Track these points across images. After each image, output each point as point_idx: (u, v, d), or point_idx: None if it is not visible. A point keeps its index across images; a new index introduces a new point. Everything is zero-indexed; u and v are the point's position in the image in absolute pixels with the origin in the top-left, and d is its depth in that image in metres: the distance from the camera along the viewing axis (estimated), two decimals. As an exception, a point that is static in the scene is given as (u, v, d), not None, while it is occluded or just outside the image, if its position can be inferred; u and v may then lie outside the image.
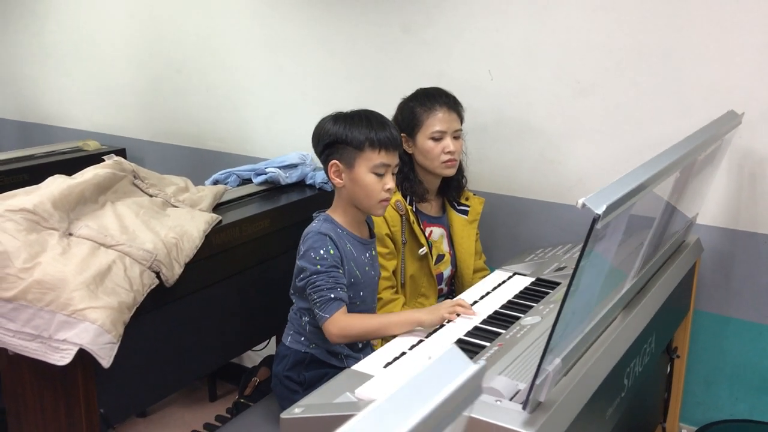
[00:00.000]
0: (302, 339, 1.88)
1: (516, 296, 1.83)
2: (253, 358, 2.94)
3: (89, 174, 2.07)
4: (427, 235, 2.22)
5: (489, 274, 2.35)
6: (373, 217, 2.06)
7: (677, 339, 2.14)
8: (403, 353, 1.58)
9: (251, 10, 2.97)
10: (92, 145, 3.29)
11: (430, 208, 2.27)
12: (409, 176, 2.18)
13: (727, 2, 1.98)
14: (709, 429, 2.13)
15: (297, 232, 1.89)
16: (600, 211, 1.00)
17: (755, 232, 2.08)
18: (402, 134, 2.17)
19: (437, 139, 2.13)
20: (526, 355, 1.40)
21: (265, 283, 2.34)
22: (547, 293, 1.82)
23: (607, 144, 2.25)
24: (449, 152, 2.13)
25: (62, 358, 1.70)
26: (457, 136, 2.17)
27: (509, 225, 2.49)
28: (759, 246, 2.08)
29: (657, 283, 1.74)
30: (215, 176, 2.63)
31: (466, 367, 0.54)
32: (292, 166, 2.62)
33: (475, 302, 1.80)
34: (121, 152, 3.28)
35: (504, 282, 1.98)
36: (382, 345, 2.10)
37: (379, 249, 2.10)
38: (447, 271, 2.30)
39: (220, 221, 2.19)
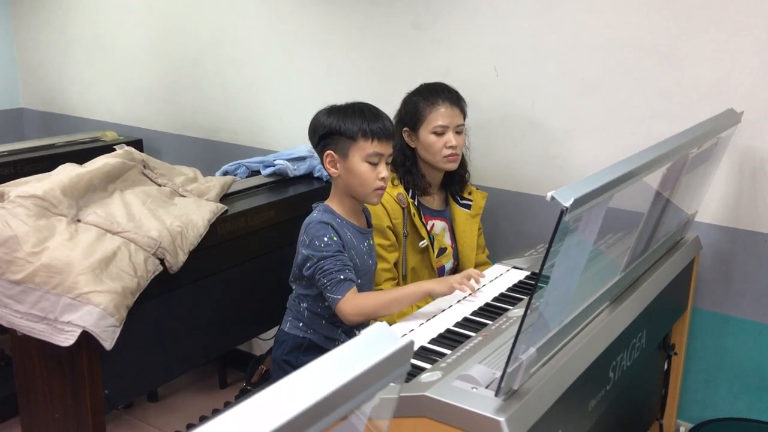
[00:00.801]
0: (300, 324, 1.92)
1: (509, 289, 1.86)
2: (262, 346, 3.00)
3: (99, 163, 2.14)
4: (429, 228, 2.25)
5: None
6: (374, 210, 2.10)
7: (675, 336, 2.15)
8: (394, 342, 1.61)
9: (267, 6, 3.02)
10: (110, 136, 3.37)
11: (433, 201, 2.30)
12: (411, 170, 2.22)
13: (731, 2, 1.98)
14: (706, 426, 2.14)
15: (303, 223, 1.93)
16: (567, 203, 1.03)
17: (756, 231, 2.08)
18: (405, 128, 2.21)
19: (439, 133, 2.16)
20: (508, 346, 1.42)
21: (270, 272, 2.39)
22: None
23: (610, 141, 2.26)
24: (451, 147, 2.16)
25: (66, 339, 1.77)
26: (459, 131, 2.19)
27: (513, 220, 2.51)
28: (759, 245, 2.08)
29: (649, 279, 1.75)
30: (225, 167, 2.68)
31: (394, 342, 0.57)
32: (301, 159, 2.67)
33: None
34: (137, 143, 3.36)
35: (501, 275, 2.01)
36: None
37: (381, 241, 2.14)
38: (449, 264, 2.33)
39: (226, 211, 2.25)
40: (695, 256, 2.09)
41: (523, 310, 1.63)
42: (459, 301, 1.79)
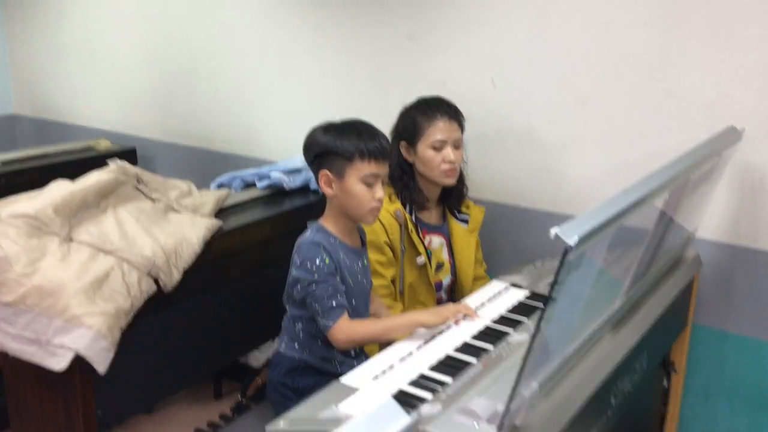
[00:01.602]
0: (296, 345, 1.90)
1: (509, 310, 1.83)
2: (258, 357, 2.97)
3: (92, 179, 2.10)
4: (426, 243, 2.23)
5: (489, 282, 2.36)
6: (371, 225, 2.08)
7: (674, 353, 2.13)
8: (392, 366, 1.59)
9: (262, 16, 2.99)
10: (103, 145, 3.33)
11: (430, 216, 2.27)
12: (408, 185, 2.19)
13: (730, 16, 1.96)
14: (706, 444, 2.13)
15: (296, 241, 1.91)
16: (572, 242, 1.01)
17: (756, 248, 2.06)
18: (402, 142, 2.18)
19: (438, 148, 2.13)
20: (510, 376, 1.40)
21: (265, 288, 2.35)
22: (540, 308, 1.82)
23: (607, 155, 2.24)
24: (449, 162, 2.14)
25: (59, 362, 1.73)
26: (457, 146, 2.17)
27: (510, 234, 2.49)
28: (759, 261, 2.06)
29: (650, 300, 1.74)
30: (219, 180, 2.65)
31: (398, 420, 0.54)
32: (297, 171, 2.63)
33: (469, 314, 1.80)
34: (131, 151, 3.32)
35: (500, 293, 1.98)
36: (379, 350, 2.14)
37: (378, 257, 2.11)
38: (446, 280, 2.30)
39: (221, 228, 2.22)
40: (695, 274, 2.07)
41: (525, 335, 1.62)
42: (458, 321, 1.77)
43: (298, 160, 2.68)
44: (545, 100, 2.32)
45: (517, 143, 2.40)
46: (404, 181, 2.19)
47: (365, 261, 1.94)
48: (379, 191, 1.81)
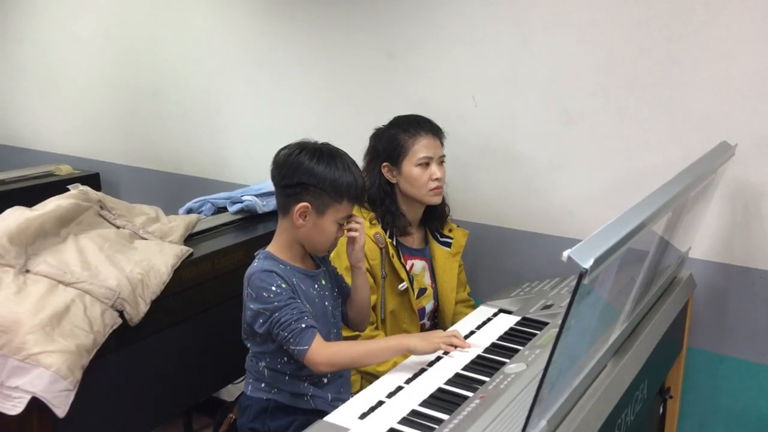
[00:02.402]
0: (262, 385, 1.76)
1: (501, 337, 1.73)
2: (231, 391, 2.83)
3: (51, 205, 1.97)
4: (408, 268, 2.12)
5: (473, 304, 2.26)
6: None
7: (670, 379, 2.04)
8: (381, 402, 1.47)
9: (231, 33, 2.89)
10: (65, 170, 3.18)
11: (412, 240, 2.17)
12: (390, 208, 2.09)
13: (720, 30, 1.91)
14: (704, 473, 2.04)
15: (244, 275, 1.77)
16: (587, 265, 0.91)
17: (750, 267, 1.99)
18: (384, 163, 2.08)
19: (424, 165, 2.04)
20: (510, 410, 1.30)
21: (240, 317, 2.23)
22: (534, 334, 1.73)
23: (596, 174, 2.16)
24: (437, 179, 2.05)
25: (14, 407, 1.59)
26: (442, 162, 2.09)
27: (494, 256, 2.40)
28: (754, 281, 1.99)
29: (649, 325, 1.65)
30: (189, 204, 2.53)
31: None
32: (270, 194, 2.52)
33: (458, 343, 1.70)
34: (94, 177, 3.18)
35: (489, 320, 1.88)
36: (361, 384, 2.02)
37: None
38: (429, 305, 2.20)
39: (192, 254, 2.09)
40: (690, 295, 1.99)
41: (522, 365, 1.52)
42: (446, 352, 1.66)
43: (270, 183, 2.56)
44: (530, 118, 2.24)
45: (501, 163, 2.32)
46: (386, 204, 2.09)
47: (323, 281, 1.80)
48: (342, 231, 1.73)
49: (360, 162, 1.96)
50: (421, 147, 2.04)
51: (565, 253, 0.92)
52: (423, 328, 2.19)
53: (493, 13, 2.25)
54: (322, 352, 1.61)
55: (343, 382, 1.82)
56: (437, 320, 2.25)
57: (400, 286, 2.07)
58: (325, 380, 1.77)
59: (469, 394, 1.42)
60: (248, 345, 1.78)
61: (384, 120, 2.15)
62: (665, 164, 2.05)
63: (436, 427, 1.28)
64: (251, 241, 2.30)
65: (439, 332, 1.67)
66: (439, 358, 1.65)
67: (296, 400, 1.74)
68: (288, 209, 1.69)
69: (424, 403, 1.41)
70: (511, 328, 1.79)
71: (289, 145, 1.71)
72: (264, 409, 1.74)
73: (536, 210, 2.28)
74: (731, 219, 2.01)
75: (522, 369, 1.48)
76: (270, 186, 2.53)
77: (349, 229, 1.73)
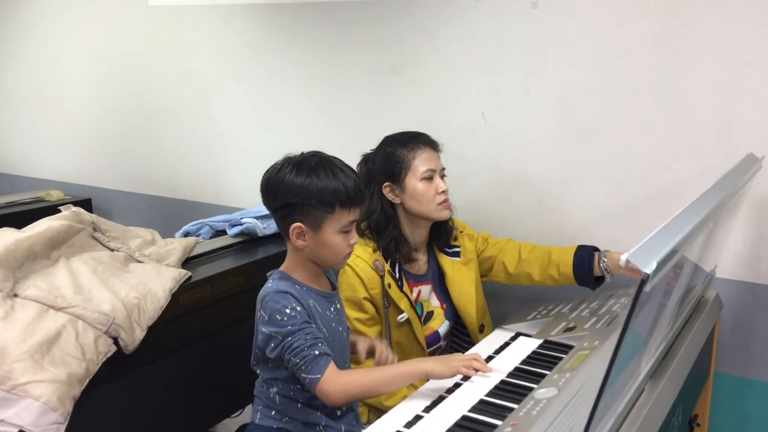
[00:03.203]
0: (273, 413, 1.63)
1: (524, 362, 1.62)
2: (228, 425, 2.69)
3: (41, 227, 1.85)
4: (415, 296, 2.00)
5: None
6: (349, 281, 1.88)
7: (697, 405, 1.93)
8: (398, 432, 1.36)
9: (227, 52, 2.81)
10: (55, 195, 3.07)
11: (418, 266, 2.05)
12: (394, 234, 1.97)
13: (741, 38, 1.84)
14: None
15: (257, 296, 1.66)
16: (650, 269, 0.81)
17: (778, 286, 1.90)
18: (385, 183, 1.98)
19: (429, 179, 1.94)
20: (547, 439, 1.18)
21: (240, 344, 2.09)
22: (559, 358, 1.62)
23: (612, 190, 2.08)
24: (443, 192, 1.95)
25: (-1, 441, 1.45)
26: (443, 175, 1.99)
27: (507, 278, 2.29)
28: (783, 301, 1.90)
29: (682, 347, 1.55)
30: (186, 228, 2.42)
31: None
32: (270, 216, 2.41)
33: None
34: (86, 202, 3.08)
35: (507, 344, 1.78)
36: (368, 417, 1.89)
37: (358, 315, 1.89)
38: (443, 327, 2.06)
39: (190, 278, 1.97)
40: (717, 317, 1.90)
41: (553, 389, 1.41)
42: (466, 377, 1.55)
43: (272, 205, 2.47)
44: (542, 133, 2.16)
45: (512, 180, 2.24)
46: (389, 229, 1.97)
47: (338, 305, 1.69)
48: (354, 236, 1.61)
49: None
50: (423, 160, 1.94)
51: (623, 257, 0.82)
52: (440, 351, 2.07)
53: (503, 26, 2.18)
54: (335, 381, 1.50)
55: (355, 415, 1.70)
56: (459, 340, 2.13)
57: (399, 318, 1.94)
58: (339, 412, 1.65)
59: (498, 422, 1.31)
60: (258, 371, 1.66)
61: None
62: (685, 179, 1.97)
63: (466, 458, 1.17)
64: (251, 264, 2.18)
65: (458, 355, 1.57)
66: (457, 384, 1.54)
67: (308, 430, 1.62)
68: (286, 232, 1.60)
69: (448, 433, 1.30)
70: (534, 352, 1.68)
71: (274, 164, 1.62)
72: (274, 439, 1.61)
73: (550, 229, 2.19)
74: (757, 235, 1.92)
75: (553, 394, 1.37)
76: (270, 208, 2.44)
77: None
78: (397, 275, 1.96)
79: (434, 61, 2.33)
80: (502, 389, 1.47)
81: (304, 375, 1.50)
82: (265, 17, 2.70)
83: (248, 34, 2.76)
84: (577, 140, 2.11)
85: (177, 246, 2.13)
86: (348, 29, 2.50)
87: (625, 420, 1.21)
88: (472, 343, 1.98)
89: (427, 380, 1.60)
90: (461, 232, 2.10)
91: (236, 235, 2.37)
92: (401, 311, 1.93)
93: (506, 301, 2.28)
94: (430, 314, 2.05)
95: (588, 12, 2.03)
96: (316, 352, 1.50)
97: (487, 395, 1.44)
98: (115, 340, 1.69)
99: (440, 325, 2.06)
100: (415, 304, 1.99)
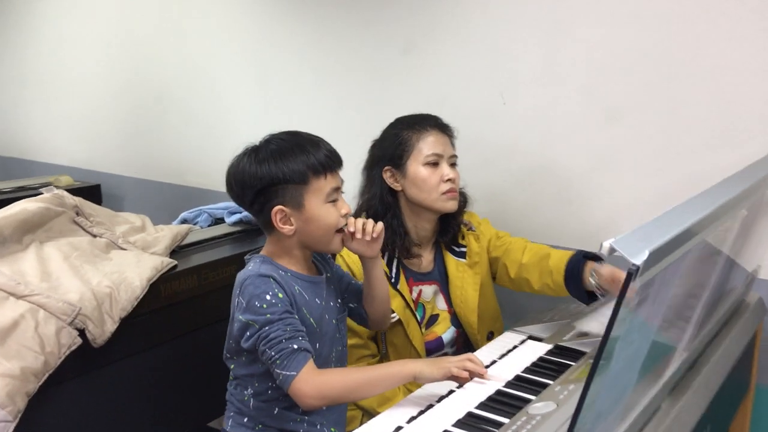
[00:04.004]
0: (245, 420, 1.47)
1: (527, 369, 1.43)
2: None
3: (15, 209, 1.74)
4: (415, 296, 1.81)
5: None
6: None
7: (735, 424, 1.71)
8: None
9: (236, 35, 2.69)
10: (64, 181, 3.01)
11: (420, 263, 1.85)
12: (392, 225, 1.77)
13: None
14: None
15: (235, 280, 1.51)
16: (639, 260, 0.62)
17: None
18: (386, 167, 1.79)
19: (433, 164, 1.75)
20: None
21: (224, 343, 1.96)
22: (568, 366, 1.42)
23: (640, 181, 1.87)
24: (449, 180, 1.75)
25: (-61, 440, 1.34)
26: (454, 163, 1.79)
27: (525, 276, 2.10)
28: (836, 308, 1.66)
29: (713, 357, 1.33)
30: (184, 215, 2.30)
31: None
32: (273, 204, 2.27)
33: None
34: (95, 188, 3.00)
35: (515, 347, 1.58)
36: (361, 421, 1.71)
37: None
38: (448, 333, 1.86)
39: (175, 266, 1.84)
40: (759, 324, 1.67)
41: (551, 404, 1.21)
42: (460, 384, 1.37)
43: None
44: (564, 118, 1.96)
45: (531, 169, 2.05)
46: (386, 219, 1.76)
47: (327, 289, 1.53)
48: (345, 205, 1.46)
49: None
50: (429, 144, 1.75)
51: (605, 243, 0.63)
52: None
53: (523, 1, 1.99)
54: (312, 380, 1.33)
55: (337, 419, 1.53)
56: (468, 350, 1.92)
57: (392, 316, 1.75)
58: (319, 426, 1.48)
59: (485, 439, 1.12)
60: (231, 366, 1.50)
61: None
62: (721, 168, 1.73)
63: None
64: (246, 254, 2.04)
65: (451, 358, 1.38)
66: (451, 392, 1.36)
67: (287, 437, 1.45)
68: (268, 223, 1.44)
69: (426, 451, 1.12)
70: (541, 358, 1.48)
71: (231, 161, 1.47)
72: (245, 450, 1.45)
73: (572, 221, 2.00)
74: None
75: (551, 409, 1.18)
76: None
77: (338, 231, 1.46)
78: (394, 271, 1.77)
79: (448, 39, 2.15)
80: (495, 400, 1.28)
81: (278, 370, 1.34)
82: (271, 3, 2.57)
83: (256, 16, 2.64)
84: (602, 125, 1.91)
85: (167, 233, 2.00)
86: (358, 6, 2.34)
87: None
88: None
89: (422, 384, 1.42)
90: (469, 229, 1.90)
91: (235, 224, 2.24)
92: (392, 310, 1.74)
93: (521, 301, 2.07)
94: (434, 318, 1.85)
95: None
96: (295, 346, 1.34)
97: (477, 407, 1.26)
98: (82, 333, 1.56)
99: (445, 330, 1.85)
100: (416, 305, 1.80)
